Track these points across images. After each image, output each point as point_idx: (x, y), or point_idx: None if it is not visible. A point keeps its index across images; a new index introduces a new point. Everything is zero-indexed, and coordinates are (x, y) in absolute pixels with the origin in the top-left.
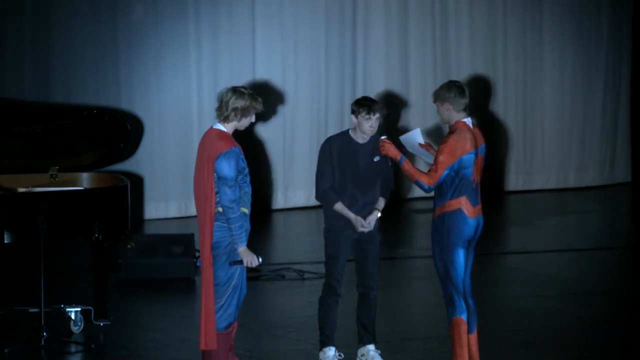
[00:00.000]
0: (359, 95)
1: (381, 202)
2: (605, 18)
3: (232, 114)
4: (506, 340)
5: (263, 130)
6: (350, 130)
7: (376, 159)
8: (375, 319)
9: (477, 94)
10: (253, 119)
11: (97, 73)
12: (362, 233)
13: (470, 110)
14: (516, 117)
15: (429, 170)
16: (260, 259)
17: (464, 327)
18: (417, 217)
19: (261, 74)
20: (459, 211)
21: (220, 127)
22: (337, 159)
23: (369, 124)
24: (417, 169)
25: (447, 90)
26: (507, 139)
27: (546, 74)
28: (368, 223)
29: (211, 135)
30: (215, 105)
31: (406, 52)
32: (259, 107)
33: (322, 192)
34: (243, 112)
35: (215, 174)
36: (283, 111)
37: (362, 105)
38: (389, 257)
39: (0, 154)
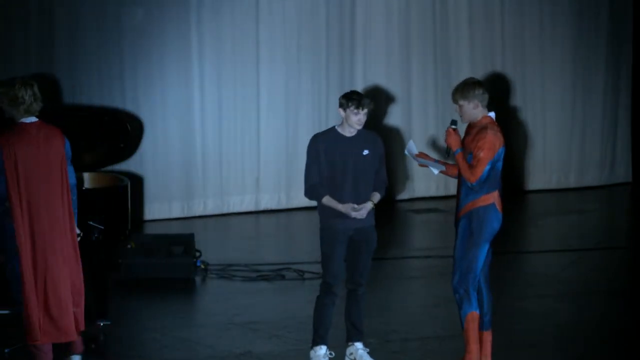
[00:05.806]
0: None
1: (375, 196)
2: (605, 18)
3: (40, 100)
4: (506, 341)
5: (265, 131)
6: (336, 126)
7: (365, 152)
8: (363, 317)
9: None
10: None
11: (101, 74)
12: (357, 230)
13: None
14: (516, 117)
15: (470, 167)
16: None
17: (477, 323)
18: (414, 218)
19: (264, 74)
20: (492, 205)
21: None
22: (325, 154)
23: (357, 118)
24: (468, 165)
25: (474, 88)
26: (507, 139)
27: (546, 74)
28: (360, 209)
29: (43, 127)
30: (28, 102)
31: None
32: None
33: (309, 187)
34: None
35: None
36: (286, 111)
37: (351, 99)
38: (388, 257)
39: None
